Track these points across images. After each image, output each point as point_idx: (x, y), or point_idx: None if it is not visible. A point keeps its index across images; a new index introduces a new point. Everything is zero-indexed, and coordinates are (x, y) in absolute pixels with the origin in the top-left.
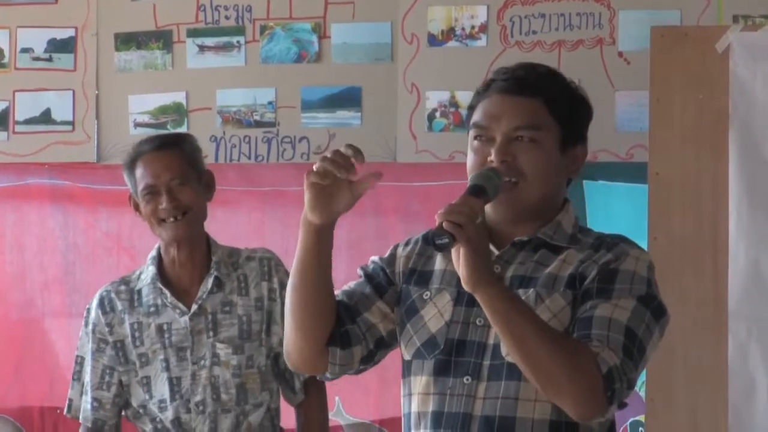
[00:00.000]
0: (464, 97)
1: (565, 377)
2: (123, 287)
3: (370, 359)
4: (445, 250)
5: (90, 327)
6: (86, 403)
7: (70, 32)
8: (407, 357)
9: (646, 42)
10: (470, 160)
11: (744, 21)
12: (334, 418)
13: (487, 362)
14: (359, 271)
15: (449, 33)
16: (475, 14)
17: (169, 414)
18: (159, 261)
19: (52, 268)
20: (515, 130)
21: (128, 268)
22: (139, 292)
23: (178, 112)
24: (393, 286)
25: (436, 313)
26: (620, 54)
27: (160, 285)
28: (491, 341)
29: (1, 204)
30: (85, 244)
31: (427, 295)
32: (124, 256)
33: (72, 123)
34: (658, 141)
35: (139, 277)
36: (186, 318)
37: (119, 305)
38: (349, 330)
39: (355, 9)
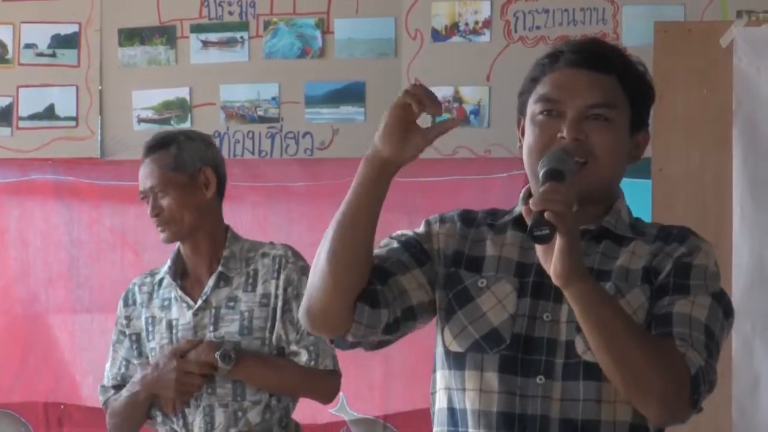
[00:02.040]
0: (468, 93)
1: (655, 378)
2: (148, 279)
3: (394, 329)
4: (545, 242)
5: (116, 319)
6: (108, 379)
7: (74, 28)
8: (459, 349)
9: (649, 37)
10: (533, 135)
11: (748, 16)
12: (338, 413)
13: (560, 361)
14: (386, 240)
15: (453, 28)
16: (479, 9)
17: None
18: (179, 254)
19: (56, 263)
20: (591, 107)
21: (132, 263)
22: (160, 283)
23: (181, 107)
24: (431, 262)
25: (496, 303)
26: (624, 49)
27: (170, 278)
28: (563, 338)
29: (5, 200)
30: (89, 239)
31: (482, 282)
32: (128, 251)
33: (76, 118)
34: (662, 136)
35: (162, 270)
36: (191, 313)
37: (139, 299)
38: (377, 290)
39: (359, 4)
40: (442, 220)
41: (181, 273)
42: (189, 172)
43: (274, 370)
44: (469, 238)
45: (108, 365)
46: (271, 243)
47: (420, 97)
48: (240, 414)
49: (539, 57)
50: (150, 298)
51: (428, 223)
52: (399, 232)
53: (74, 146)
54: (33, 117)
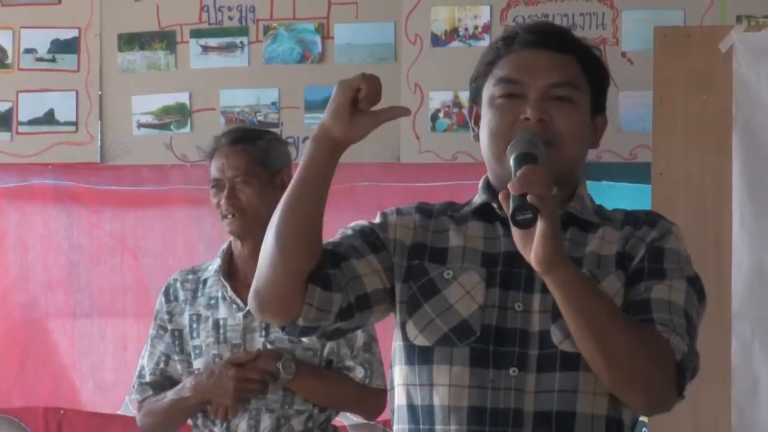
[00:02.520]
0: (468, 97)
1: (641, 364)
2: (191, 276)
3: (348, 316)
4: (528, 226)
5: (155, 312)
6: (143, 376)
7: (74, 33)
8: (426, 342)
9: (649, 42)
10: (494, 119)
11: (747, 21)
12: (339, 418)
13: (534, 352)
14: (341, 230)
15: (452, 33)
16: (479, 14)
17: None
18: (229, 254)
19: (55, 268)
20: (552, 87)
21: (132, 268)
22: (205, 282)
23: (181, 112)
24: (386, 250)
25: (464, 294)
26: (623, 54)
27: (222, 278)
28: (536, 328)
29: (5, 204)
30: (89, 244)
31: (448, 274)
32: (128, 256)
33: (75, 123)
34: (662, 141)
35: (208, 268)
36: (241, 315)
37: (182, 295)
38: (330, 274)
39: (359, 9)
40: (399, 212)
41: (229, 274)
42: (271, 170)
43: (330, 384)
44: (430, 230)
45: (145, 360)
46: None
47: (373, 89)
48: (283, 421)
49: (492, 41)
50: (194, 296)
51: (384, 215)
52: (354, 223)
53: (74, 151)
54: (33, 122)
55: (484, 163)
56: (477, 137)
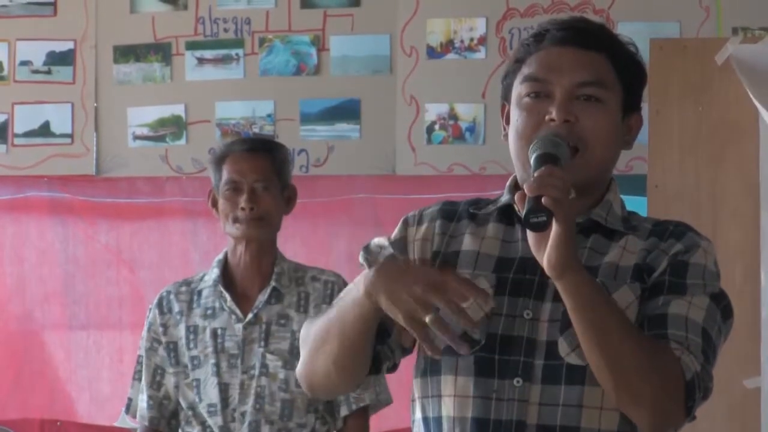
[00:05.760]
0: (463, 109)
1: (647, 381)
2: (184, 288)
3: (392, 370)
4: (541, 229)
5: (147, 326)
6: (142, 402)
7: (69, 45)
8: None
9: (645, 54)
10: (520, 119)
11: (743, 33)
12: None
13: (540, 362)
14: (362, 259)
15: (448, 45)
16: (474, 26)
17: (218, 420)
18: (224, 265)
19: (51, 280)
20: (580, 86)
21: (128, 280)
22: (200, 293)
23: (177, 124)
24: None
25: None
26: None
27: (221, 288)
28: (543, 338)
29: (1, 217)
30: (85, 256)
31: None
32: (123, 268)
33: (71, 135)
34: (657, 153)
35: (202, 279)
36: (240, 326)
37: (176, 307)
38: (379, 351)
39: (354, 21)
40: (420, 220)
41: (226, 283)
42: (283, 182)
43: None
44: (448, 234)
45: (143, 375)
46: (319, 268)
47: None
48: None
49: (524, 38)
50: (189, 307)
51: (404, 227)
52: (378, 243)
53: (69, 163)
54: (28, 134)
55: (479, 175)
56: (507, 137)
